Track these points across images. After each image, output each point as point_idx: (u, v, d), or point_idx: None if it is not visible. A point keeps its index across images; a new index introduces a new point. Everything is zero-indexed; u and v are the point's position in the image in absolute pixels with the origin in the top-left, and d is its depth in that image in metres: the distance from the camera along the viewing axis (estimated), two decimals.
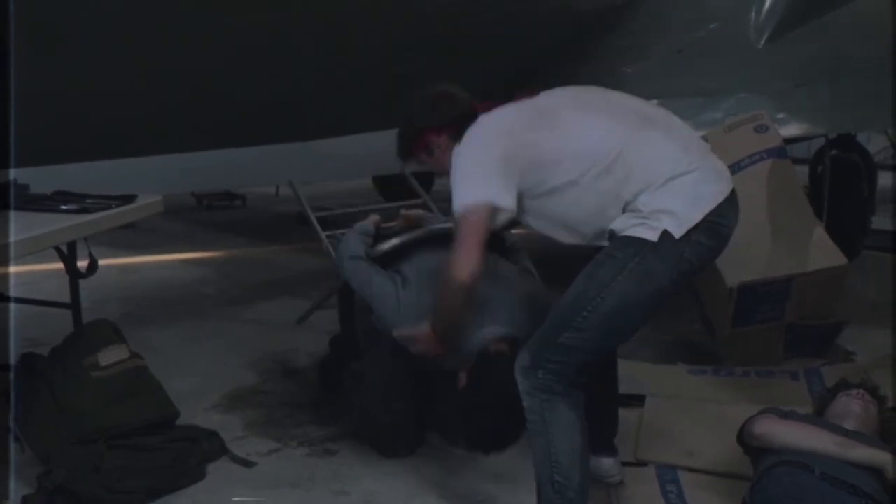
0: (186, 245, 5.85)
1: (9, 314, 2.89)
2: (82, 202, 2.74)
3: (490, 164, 2.31)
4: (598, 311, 2.27)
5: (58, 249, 2.74)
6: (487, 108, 2.48)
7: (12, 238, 2.12)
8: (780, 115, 4.07)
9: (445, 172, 2.42)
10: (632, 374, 3.40)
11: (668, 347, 4.04)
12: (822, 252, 3.61)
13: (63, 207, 2.65)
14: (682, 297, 3.78)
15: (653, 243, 2.23)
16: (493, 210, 2.29)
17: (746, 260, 3.53)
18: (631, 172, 2.29)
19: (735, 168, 3.74)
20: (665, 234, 2.23)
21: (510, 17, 4.23)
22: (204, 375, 3.73)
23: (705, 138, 3.81)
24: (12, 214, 2.31)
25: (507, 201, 2.30)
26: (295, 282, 5.14)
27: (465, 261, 2.28)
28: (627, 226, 2.28)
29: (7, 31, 3.02)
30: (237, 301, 4.82)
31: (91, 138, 3.49)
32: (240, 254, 5.79)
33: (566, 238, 2.42)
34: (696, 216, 2.26)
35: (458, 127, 2.45)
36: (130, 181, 3.53)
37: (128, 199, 2.79)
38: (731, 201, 2.37)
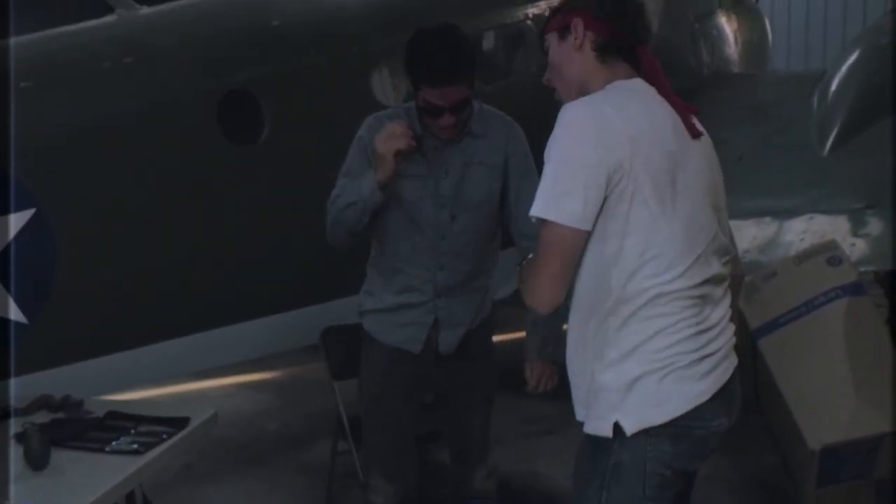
0: (249, 361, 5.76)
1: None
2: (134, 430, 2.67)
3: (594, 171, 1.94)
4: None
5: None
6: (653, 64, 2.11)
7: None
8: (853, 243, 3.82)
9: (557, 72, 2.13)
10: None
11: (743, 491, 3.85)
12: None
13: (114, 444, 2.58)
14: (750, 421, 3.62)
15: (613, 465, 2.02)
16: (583, 237, 1.98)
17: (829, 416, 3.32)
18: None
19: (808, 307, 3.55)
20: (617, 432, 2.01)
21: None
22: None
23: (775, 272, 3.70)
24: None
25: (591, 225, 1.98)
26: None
27: (545, 292, 2.00)
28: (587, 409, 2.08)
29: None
30: (298, 441, 4.76)
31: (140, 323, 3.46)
32: (300, 372, 5.72)
33: None
34: (656, 419, 2.01)
35: (606, 46, 2.08)
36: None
37: (181, 422, 2.71)
38: (723, 395, 2.06)
